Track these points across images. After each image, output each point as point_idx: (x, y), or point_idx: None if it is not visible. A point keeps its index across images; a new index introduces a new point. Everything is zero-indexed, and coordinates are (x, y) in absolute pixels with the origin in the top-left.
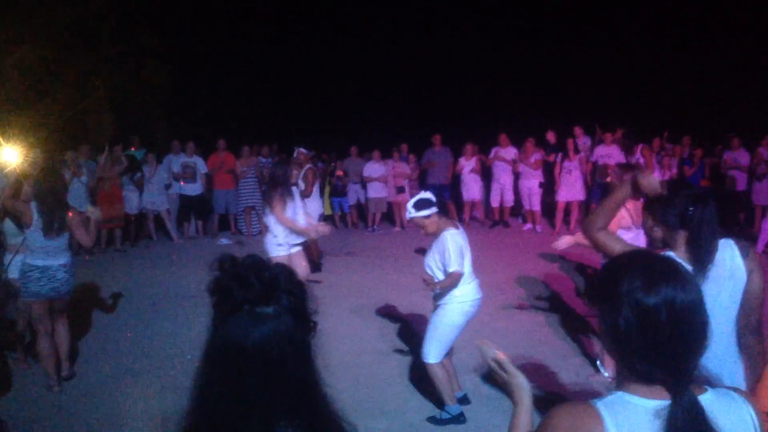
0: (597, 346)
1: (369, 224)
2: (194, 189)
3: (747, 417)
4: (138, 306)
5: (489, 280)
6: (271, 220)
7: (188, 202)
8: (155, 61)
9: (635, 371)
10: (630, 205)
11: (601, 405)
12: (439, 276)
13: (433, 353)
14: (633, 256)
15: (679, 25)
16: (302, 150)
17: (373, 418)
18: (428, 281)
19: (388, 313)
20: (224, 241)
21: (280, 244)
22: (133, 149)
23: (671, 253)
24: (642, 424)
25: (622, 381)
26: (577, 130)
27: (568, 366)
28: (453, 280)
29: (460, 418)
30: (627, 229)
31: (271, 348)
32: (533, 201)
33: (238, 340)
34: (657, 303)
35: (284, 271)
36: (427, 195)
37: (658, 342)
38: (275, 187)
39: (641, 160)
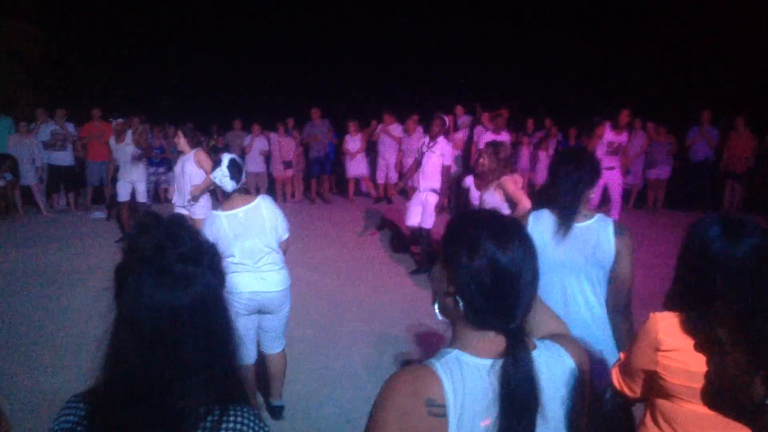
0: None
1: None
2: (64, 159)
3: (567, 368)
4: (2, 284)
5: (371, 255)
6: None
7: (58, 172)
8: (21, 23)
9: (469, 320)
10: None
11: (438, 365)
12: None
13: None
14: (476, 213)
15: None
16: (119, 120)
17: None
18: None
19: None
20: (98, 214)
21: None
22: None
23: (546, 211)
24: (476, 382)
25: (455, 339)
26: (458, 109)
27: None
28: None
29: None
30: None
31: (203, 307)
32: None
33: (170, 303)
34: (480, 259)
35: (197, 230)
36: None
37: (483, 292)
38: None
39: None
